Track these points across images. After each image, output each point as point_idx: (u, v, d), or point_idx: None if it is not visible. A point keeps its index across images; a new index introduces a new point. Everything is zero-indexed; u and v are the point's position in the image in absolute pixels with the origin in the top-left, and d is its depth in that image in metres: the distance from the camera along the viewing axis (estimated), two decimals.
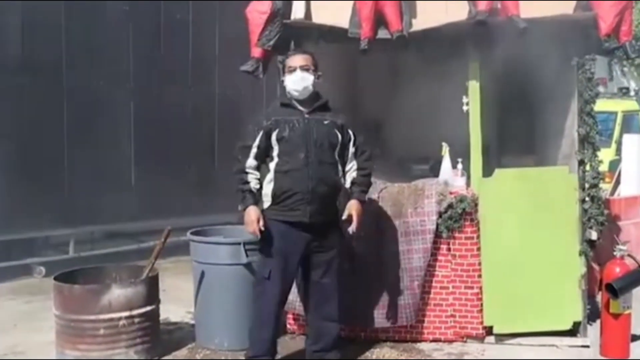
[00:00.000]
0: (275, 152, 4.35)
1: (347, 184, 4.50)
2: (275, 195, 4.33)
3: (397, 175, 5.58)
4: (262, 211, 4.37)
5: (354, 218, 4.40)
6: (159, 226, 5.70)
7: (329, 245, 4.46)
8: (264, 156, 4.39)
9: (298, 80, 4.39)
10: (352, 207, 4.42)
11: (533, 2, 4.90)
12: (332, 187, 4.39)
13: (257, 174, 4.39)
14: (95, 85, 7.49)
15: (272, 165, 4.37)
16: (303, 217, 4.31)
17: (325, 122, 4.42)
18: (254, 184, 4.35)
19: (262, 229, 4.29)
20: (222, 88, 8.36)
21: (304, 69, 4.41)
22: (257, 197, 4.37)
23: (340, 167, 4.46)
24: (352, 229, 4.42)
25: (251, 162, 4.36)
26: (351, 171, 4.50)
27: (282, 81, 4.51)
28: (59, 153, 7.22)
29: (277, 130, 4.33)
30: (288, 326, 5.28)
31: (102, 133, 7.52)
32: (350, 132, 4.49)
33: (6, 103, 6.94)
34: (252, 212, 4.31)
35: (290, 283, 4.48)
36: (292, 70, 4.41)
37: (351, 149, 4.49)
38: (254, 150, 4.35)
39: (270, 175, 4.37)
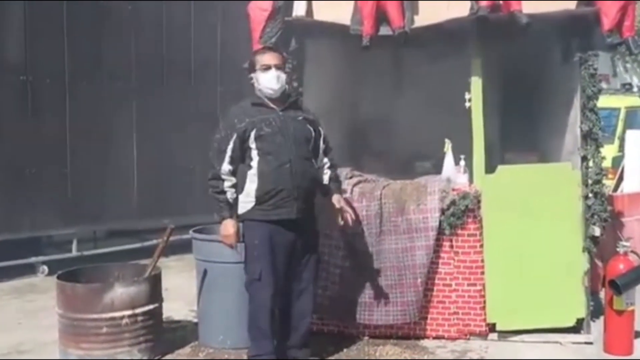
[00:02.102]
0: (254, 152, 4.28)
1: (325, 181, 4.59)
2: (260, 195, 4.28)
3: (400, 172, 5.57)
4: (243, 214, 4.37)
5: (346, 208, 4.59)
6: (162, 224, 5.70)
7: (310, 241, 4.51)
8: (239, 160, 4.32)
9: (273, 79, 4.34)
10: (341, 201, 4.60)
11: None
12: (312, 181, 4.44)
13: (233, 180, 4.32)
14: (98, 84, 7.49)
15: (253, 165, 4.30)
16: (290, 214, 4.30)
17: (299, 118, 4.44)
18: (230, 194, 4.31)
19: (241, 240, 4.38)
20: (225, 86, 8.35)
21: (278, 67, 4.37)
22: (233, 207, 4.35)
23: (314, 161, 4.51)
24: (348, 219, 4.58)
25: (226, 167, 4.28)
26: (325, 167, 4.59)
27: (251, 78, 4.42)
28: (62, 152, 7.22)
29: (254, 130, 4.26)
30: None
31: (104, 131, 7.53)
32: (320, 129, 4.55)
33: (9, 102, 6.95)
34: (230, 225, 4.31)
35: (281, 281, 4.41)
36: (267, 68, 4.34)
37: (322, 145, 4.55)
38: (228, 154, 4.27)
39: (252, 176, 4.30)
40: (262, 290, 4.35)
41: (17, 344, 5.18)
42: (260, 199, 4.29)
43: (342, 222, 4.59)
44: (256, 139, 4.27)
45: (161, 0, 7.92)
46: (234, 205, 4.36)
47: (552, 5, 4.90)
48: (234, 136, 4.29)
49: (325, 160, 4.58)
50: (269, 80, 4.35)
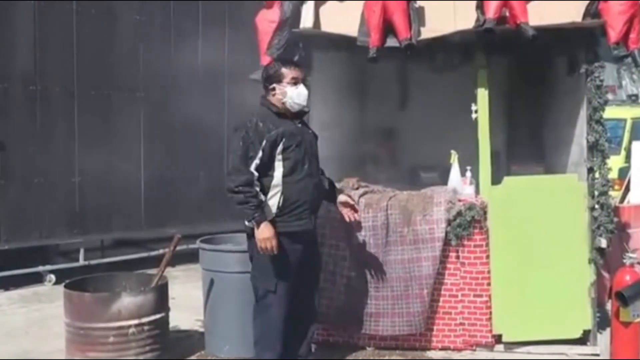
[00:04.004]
0: (278, 163, 4.25)
1: (326, 186, 4.66)
2: (282, 206, 4.24)
3: (406, 183, 5.59)
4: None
5: (352, 203, 4.74)
6: (169, 234, 5.71)
7: (316, 250, 4.64)
8: (262, 168, 4.21)
9: (303, 95, 4.35)
10: (348, 198, 4.74)
11: (542, 10, 4.91)
12: (322, 193, 4.54)
13: (259, 186, 4.22)
14: (106, 94, 7.53)
15: (276, 176, 4.25)
16: (309, 225, 4.35)
17: (310, 132, 4.51)
18: (262, 197, 4.21)
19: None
20: (232, 96, 8.38)
21: (305, 82, 4.41)
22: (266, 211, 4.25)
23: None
24: (353, 215, 4.73)
25: (254, 173, 4.19)
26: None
27: (273, 88, 4.33)
28: (70, 161, 7.25)
29: (283, 140, 4.22)
30: None
31: (112, 141, 7.58)
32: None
33: (18, 111, 6.99)
34: (269, 228, 4.17)
35: (295, 294, 4.38)
36: (296, 82, 4.32)
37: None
38: (256, 161, 4.18)
39: (274, 187, 4.25)
40: (277, 302, 4.32)
41: (23, 353, 5.20)
42: (282, 210, 4.26)
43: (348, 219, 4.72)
44: (284, 149, 4.24)
45: (167, 1, 7.96)
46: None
47: (558, 18, 4.92)
48: (264, 143, 4.19)
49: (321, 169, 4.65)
50: (299, 96, 4.33)
